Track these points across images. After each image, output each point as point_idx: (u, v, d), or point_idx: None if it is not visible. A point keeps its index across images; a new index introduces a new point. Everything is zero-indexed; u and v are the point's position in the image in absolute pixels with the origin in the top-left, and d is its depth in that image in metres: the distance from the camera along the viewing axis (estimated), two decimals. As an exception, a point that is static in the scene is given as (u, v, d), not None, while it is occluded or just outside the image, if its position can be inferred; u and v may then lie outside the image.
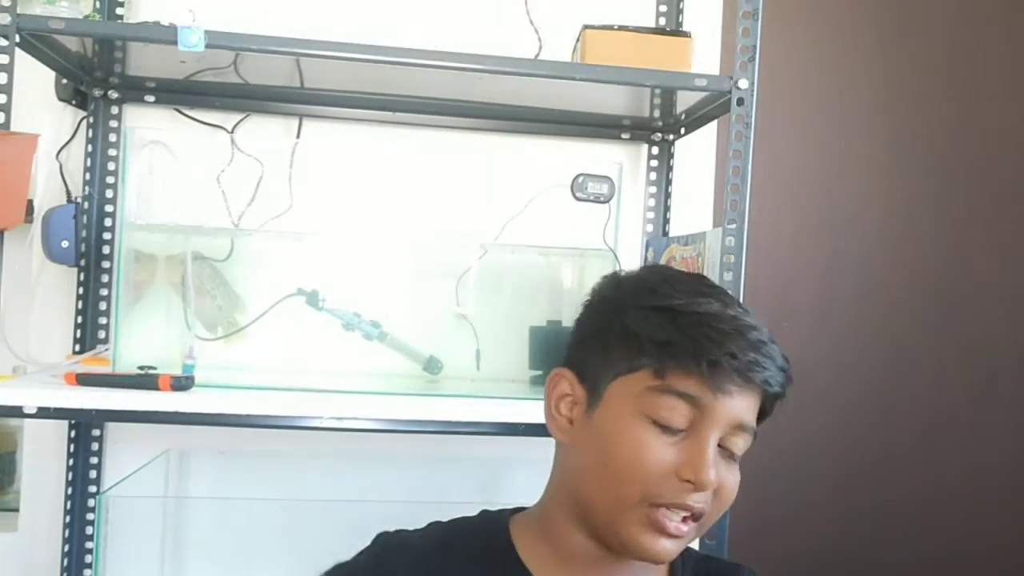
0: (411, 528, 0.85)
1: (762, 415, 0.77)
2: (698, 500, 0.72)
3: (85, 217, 1.46)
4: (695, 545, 1.05)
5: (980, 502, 2.05)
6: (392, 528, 0.85)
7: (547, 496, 0.83)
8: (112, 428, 1.53)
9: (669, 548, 0.73)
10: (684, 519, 0.73)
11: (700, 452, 0.71)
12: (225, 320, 1.29)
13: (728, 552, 1.18)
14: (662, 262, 1.50)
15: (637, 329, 0.74)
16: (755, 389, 0.73)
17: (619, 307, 0.77)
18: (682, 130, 1.58)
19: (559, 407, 0.79)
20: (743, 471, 0.77)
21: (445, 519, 0.86)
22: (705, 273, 1.30)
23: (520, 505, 0.87)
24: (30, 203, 1.36)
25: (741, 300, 1.22)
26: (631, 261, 1.62)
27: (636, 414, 0.72)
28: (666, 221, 1.63)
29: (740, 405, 0.73)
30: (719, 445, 0.73)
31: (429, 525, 0.85)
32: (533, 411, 1.14)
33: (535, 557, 0.79)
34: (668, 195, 1.64)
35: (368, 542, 0.84)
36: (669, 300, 0.74)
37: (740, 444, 0.75)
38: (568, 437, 0.78)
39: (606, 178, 1.30)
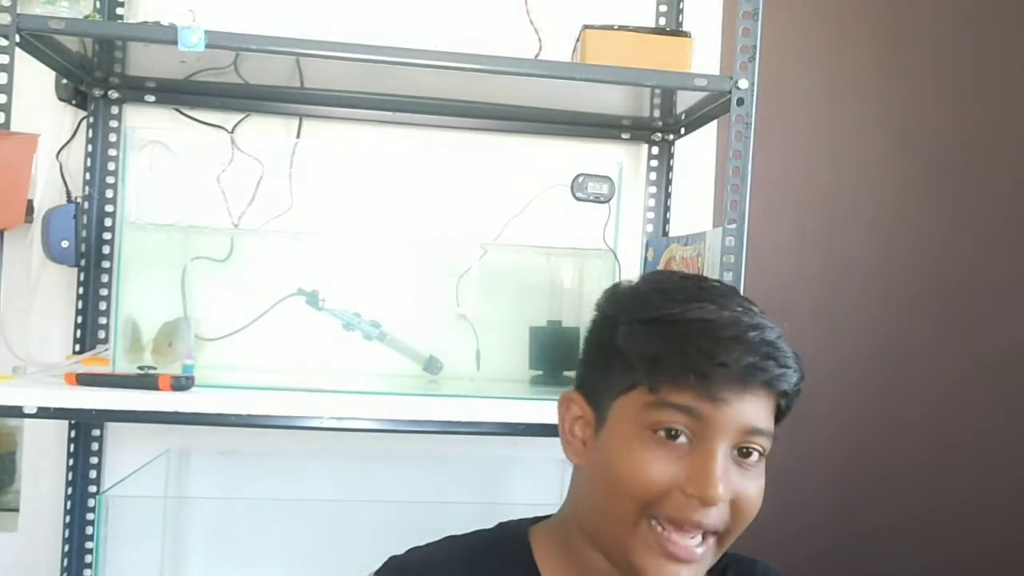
0: (421, 543, 0.82)
1: (780, 413, 0.73)
2: (709, 516, 0.68)
3: (85, 217, 1.46)
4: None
5: (985, 506, 2.04)
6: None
7: (566, 513, 0.80)
8: (112, 428, 1.53)
9: (681, 572, 0.69)
10: (699, 539, 0.69)
11: (705, 465, 0.68)
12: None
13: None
14: (662, 262, 1.50)
15: (628, 346, 0.72)
16: (759, 392, 0.70)
17: (613, 324, 0.75)
18: (682, 130, 1.58)
19: (573, 430, 0.77)
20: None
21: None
22: (705, 273, 1.30)
23: (531, 512, 0.85)
24: (30, 203, 1.36)
25: (741, 300, 1.22)
26: (631, 261, 1.62)
27: (638, 431, 0.71)
28: (666, 221, 1.63)
29: (746, 411, 0.69)
30: (736, 452, 0.70)
31: (445, 539, 0.82)
32: (533, 411, 1.14)
33: (558, 574, 0.77)
34: (668, 195, 1.64)
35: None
36: (659, 311, 0.72)
37: (756, 449, 0.71)
38: (582, 459, 0.76)
39: (606, 178, 1.30)
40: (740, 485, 0.70)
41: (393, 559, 0.80)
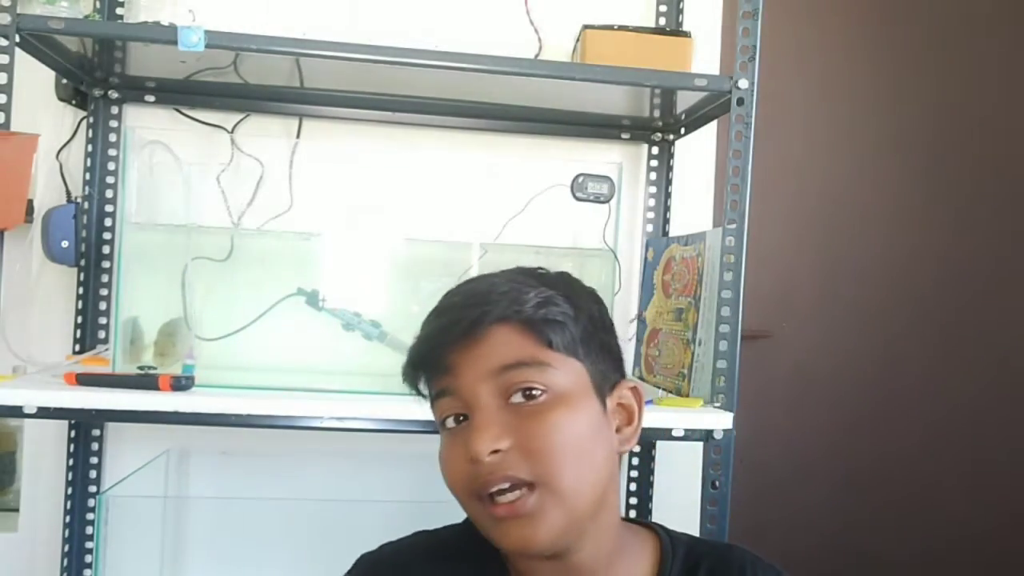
0: (392, 539, 0.84)
1: (560, 336, 0.71)
2: (495, 470, 0.68)
3: (85, 217, 1.46)
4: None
5: (979, 502, 2.05)
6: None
7: None
8: (112, 428, 1.53)
9: (526, 531, 0.68)
10: (517, 493, 0.68)
11: (468, 428, 0.70)
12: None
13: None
14: (662, 262, 1.50)
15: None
16: (478, 334, 0.70)
17: None
18: (682, 130, 1.58)
19: None
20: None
21: (435, 525, 0.86)
22: (705, 273, 1.30)
23: None
24: (30, 203, 1.36)
25: (740, 300, 1.22)
26: (631, 261, 1.62)
27: (442, 432, 0.75)
28: (666, 221, 1.63)
29: (479, 359, 0.70)
30: (522, 396, 0.69)
31: (415, 535, 0.84)
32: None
33: (520, 561, 0.77)
34: (668, 195, 1.64)
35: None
36: None
37: (535, 387, 0.70)
38: None
39: (606, 178, 1.30)
40: (525, 426, 0.69)
41: (364, 555, 0.82)
